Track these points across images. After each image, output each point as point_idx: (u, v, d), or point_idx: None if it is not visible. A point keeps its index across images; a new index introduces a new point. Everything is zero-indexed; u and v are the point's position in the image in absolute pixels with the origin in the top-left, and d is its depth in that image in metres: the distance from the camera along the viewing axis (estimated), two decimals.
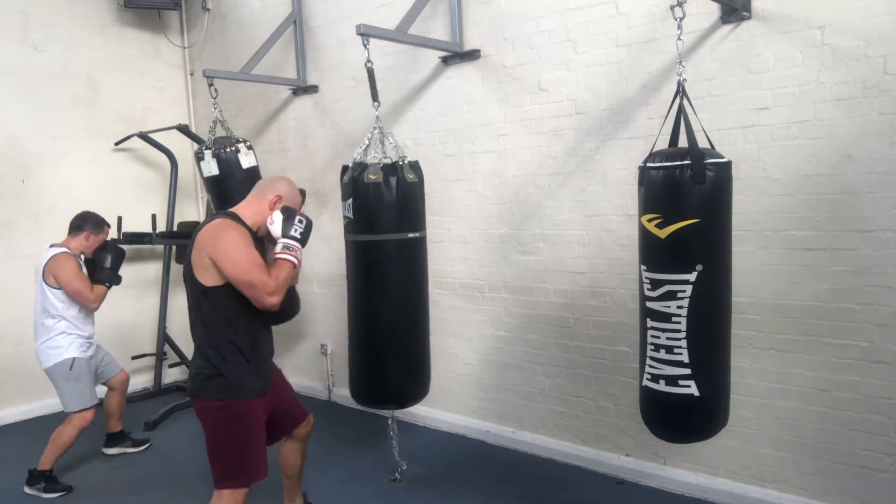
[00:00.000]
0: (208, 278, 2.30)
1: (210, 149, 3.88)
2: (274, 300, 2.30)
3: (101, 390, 4.03)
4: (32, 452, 3.75)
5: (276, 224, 2.43)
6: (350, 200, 2.99)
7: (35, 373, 4.76)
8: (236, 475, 2.42)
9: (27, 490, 3.64)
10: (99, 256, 3.82)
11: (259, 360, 2.47)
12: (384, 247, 3.01)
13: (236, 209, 2.48)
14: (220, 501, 2.42)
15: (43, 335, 3.64)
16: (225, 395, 2.36)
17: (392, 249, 3.02)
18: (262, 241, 2.51)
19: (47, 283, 3.61)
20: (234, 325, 2.36)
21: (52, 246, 3.71)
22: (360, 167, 2.98)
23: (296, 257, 2.42)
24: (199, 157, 3.93)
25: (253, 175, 4.06)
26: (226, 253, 2.26)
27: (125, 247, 4.27)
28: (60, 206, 5.07)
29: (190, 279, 2.36)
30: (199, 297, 2.34)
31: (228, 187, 3.90)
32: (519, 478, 3.59)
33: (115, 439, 4.16)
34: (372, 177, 2.94)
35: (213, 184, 3.96)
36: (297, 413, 2.82)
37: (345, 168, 3.09)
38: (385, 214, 2.98)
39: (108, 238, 3.98)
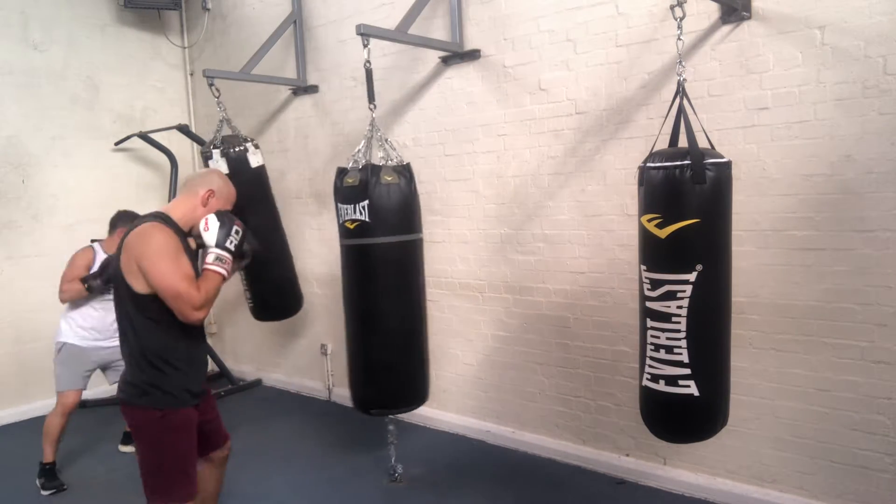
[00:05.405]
0: (140, 285, 2.16)
1: (219, 147, 3.89)
2: (199, 315, 2.17)
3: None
4: (32, 452, 3.75)
5: (210, 231, 2.25)
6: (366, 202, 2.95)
7: (35, 373, 4.80)
8: (176, 488, 2.25)
9: (38, 482, 3.70)
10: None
11: (194, 368, 2.35)
12: (376, 250, 3.03)
13: (167, 209, 2.34)
14: None
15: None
16: (164, 404, 2.23)
17: (386, 252, 3.04)
18: (197, 244, 2.38)
19: None
20: (171, 332, 2.22)
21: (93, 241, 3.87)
22: (377, 169, 2.98)
23: (227, 270, 2.27)
24: (206, 156, 3.93)
25: (260, 174, 4.07)
26: (153, 261, 2.12)
27: None
28: (60, 206, 5.09)
29: (120, 285, 2.21)
30: (131, 303, 2.19)
31: (237, 186, 3.90)
32: (519, 478, 3.59)
33: (130, 436, 4.19)
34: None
35: None
36: (220, 433, 2.60)
37: (341, 170, 3.09)
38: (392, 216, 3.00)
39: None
